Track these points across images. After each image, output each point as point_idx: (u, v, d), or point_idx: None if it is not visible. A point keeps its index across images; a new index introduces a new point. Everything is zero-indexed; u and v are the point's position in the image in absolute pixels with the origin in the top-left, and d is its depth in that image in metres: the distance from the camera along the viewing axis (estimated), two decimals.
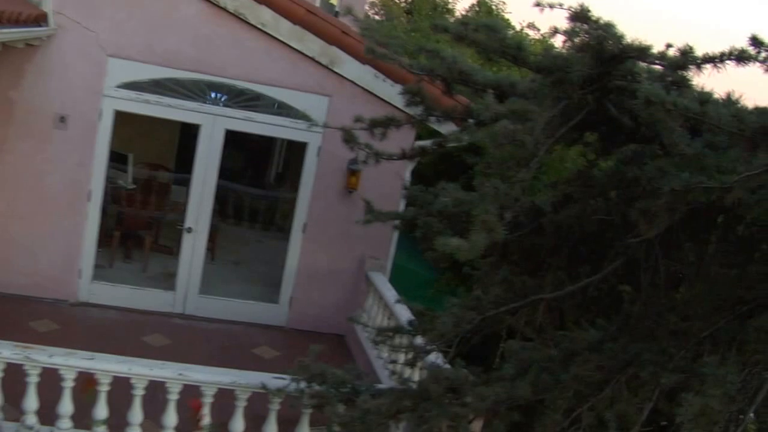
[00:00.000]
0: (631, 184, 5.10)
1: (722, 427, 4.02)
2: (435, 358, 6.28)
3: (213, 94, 10.21)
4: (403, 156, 5.75)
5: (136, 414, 6.87)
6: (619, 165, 5.20)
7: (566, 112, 4.77)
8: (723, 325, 4.58)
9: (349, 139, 5.75)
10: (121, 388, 6.78)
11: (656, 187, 3.90)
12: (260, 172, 17.03)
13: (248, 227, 15.00)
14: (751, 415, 4.05)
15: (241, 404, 6.99)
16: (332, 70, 10.20)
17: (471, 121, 5.28)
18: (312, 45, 10.05)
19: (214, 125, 10.24)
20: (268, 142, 16.16)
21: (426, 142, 6.06)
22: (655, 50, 4.55)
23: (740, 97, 3.49)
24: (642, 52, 4.42)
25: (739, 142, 3.43)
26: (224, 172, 14.22)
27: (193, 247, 10.65)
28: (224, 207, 14.61)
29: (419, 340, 5.79)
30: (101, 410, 6.79)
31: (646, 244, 5.64)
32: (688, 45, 4.35)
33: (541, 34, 25.42)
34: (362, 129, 5.60)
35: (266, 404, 6.86)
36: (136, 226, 12.50)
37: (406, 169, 10.33)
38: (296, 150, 11.79)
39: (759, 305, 4.68)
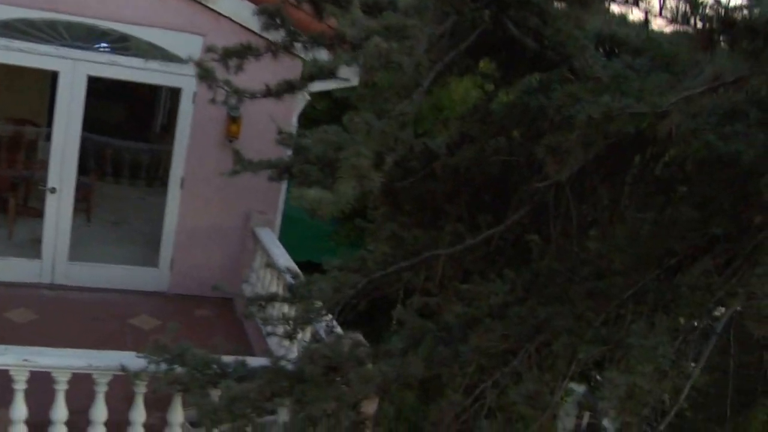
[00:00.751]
0: (537, 118, 4.31)
1: (653, 407, 3.30)
2: (322, 326, 5.47)
3: (71, 37, 9.03)
4: (269, 92, 4.85)
5: None
6: (523, 96, 4.40)
7: (456, 32, 3.92)
8: (648, 282, 3.85)
9: (203, 75, 4.81)
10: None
11: (568, 117, 3.10)
12: (144, 124, 15.81)
13: (129, 184, 13.80)
14: None
15: (101, 389, 6.07)
16: (206, 6, 9.14)
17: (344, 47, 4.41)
18: None
19: (74, 72, 9.06)
20: (153, 90, 14.99)
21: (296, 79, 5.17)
22: None
23: None
24: None
25: (689, 41, 2.64)
26: (102, 126, 13.11)
27: (59, 209, 9.51)
28: (101, 163, 13.43)
29: (297, 310, 4.94)
30: None
31: (555, 188, 4.92)
32: None
33: None
34: (215, 61, 4.68)
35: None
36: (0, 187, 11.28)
37: (293, 113, 9.41)
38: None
39: (687, 257, 3.96)
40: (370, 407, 4.95)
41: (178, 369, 4.99)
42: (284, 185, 9.83)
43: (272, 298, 5.12)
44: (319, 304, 4.64)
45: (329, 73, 4.16)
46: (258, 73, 5.30)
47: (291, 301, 5.01)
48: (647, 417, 3.30)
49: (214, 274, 9.85)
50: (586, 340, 3.62)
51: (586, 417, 23.79)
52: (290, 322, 4.78)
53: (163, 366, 5.10)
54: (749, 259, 3.50)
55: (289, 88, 4.81)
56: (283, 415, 5.57)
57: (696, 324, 3.41)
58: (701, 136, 3.00)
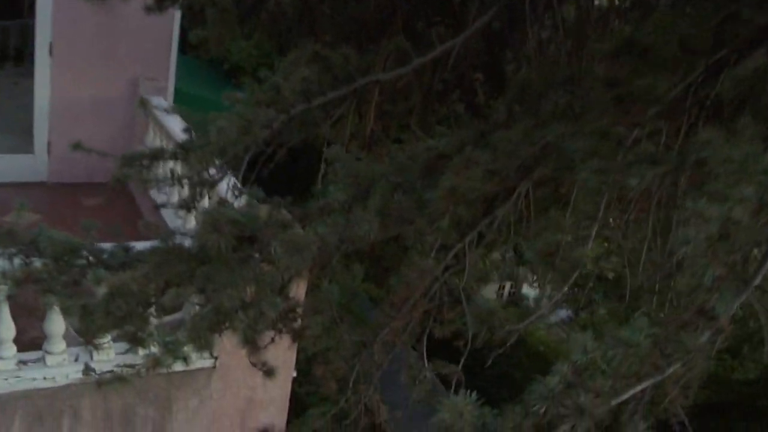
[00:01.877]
0: None
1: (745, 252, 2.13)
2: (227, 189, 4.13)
3: None
4: None
5: None
6: None
7: None
8: (694, 80, 2.64)
9: None
10: None
11: None
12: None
13: None
14: None
15: None
16: None
17: None
18: None
19: None
20: None
21: None
22: None
23: None
24: None
25: None
26: None
27: None
28: None
29: (190, 164, 3.58)
30: None
31: None
32: None
33: None
34: None
35: None
36: None
37: None
38: None
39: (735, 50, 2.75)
40: (300, 290, 3.72)
41: (36, 263, 3.64)
42: (174, 45, 8.36)
43: (158, 154, 3.77)
44: (217, 152, 3.32)
45: None
46: None
47: (183, 158, 3.67)
48: (735, 265, 2.14)
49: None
50: (625, 163, 2.40)
51: (508, 286, 23.35)
52: (181, 182, 3.47)
53: (18, 260, 3.75)
54: None
55: None
56: (191, 311, 4.31)
57: None
58: None
